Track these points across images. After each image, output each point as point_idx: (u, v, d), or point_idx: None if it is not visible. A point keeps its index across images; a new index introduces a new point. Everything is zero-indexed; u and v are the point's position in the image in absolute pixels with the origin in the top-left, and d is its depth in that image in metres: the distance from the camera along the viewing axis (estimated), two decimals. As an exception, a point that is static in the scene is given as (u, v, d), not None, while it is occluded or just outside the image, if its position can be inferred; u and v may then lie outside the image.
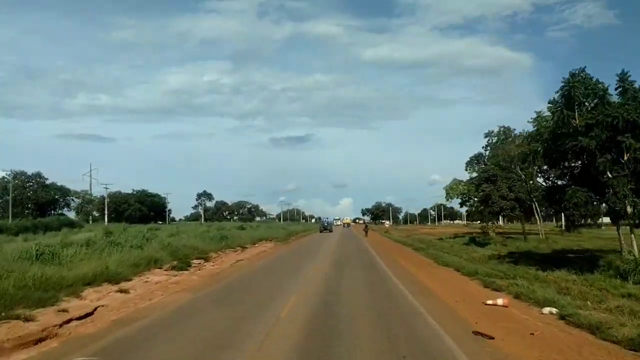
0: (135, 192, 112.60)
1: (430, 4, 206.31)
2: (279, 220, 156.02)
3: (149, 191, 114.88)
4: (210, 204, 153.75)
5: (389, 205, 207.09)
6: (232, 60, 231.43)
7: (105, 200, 79.81)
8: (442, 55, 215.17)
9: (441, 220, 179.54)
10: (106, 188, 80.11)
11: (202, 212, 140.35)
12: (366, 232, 60.86)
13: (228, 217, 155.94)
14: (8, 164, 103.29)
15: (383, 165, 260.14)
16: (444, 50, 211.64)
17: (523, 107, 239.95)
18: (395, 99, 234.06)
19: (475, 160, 47.26)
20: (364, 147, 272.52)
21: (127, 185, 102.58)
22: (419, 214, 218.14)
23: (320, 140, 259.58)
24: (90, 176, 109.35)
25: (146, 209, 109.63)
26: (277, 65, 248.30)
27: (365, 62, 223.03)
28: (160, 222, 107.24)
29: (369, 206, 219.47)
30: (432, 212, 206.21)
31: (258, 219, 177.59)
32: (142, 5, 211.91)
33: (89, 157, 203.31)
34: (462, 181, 38.22)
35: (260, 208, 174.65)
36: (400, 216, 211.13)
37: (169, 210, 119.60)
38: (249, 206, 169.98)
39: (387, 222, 72.26)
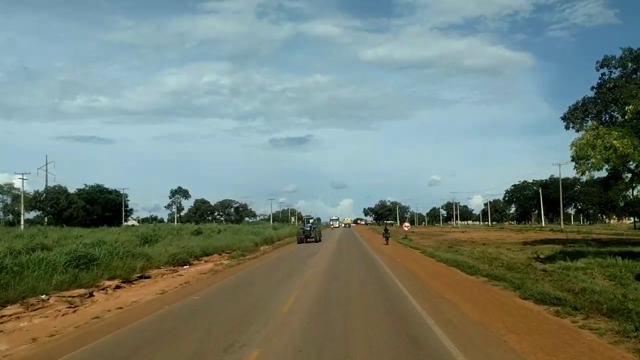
0: (87, 188, 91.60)
1: (429, 4, 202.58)
2: (271, 221, 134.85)
3: (106, 187, 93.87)
4: (188, 203, 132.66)
5: (395, 204, 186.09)
6: (231, 61, 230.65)
7: (21, 196, 58.81)
8: (442, 55, 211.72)
9: (455, 220, 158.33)
10: (23, 179, 59.09)
11: (175, 211, 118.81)
12: (387, 239, 40.50)
13: (209, 217, 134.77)
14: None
15: (383, 166, 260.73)
16: (444, 50, 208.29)
17: (523, 107, 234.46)
18: (395, 99, 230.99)
19: (582, 110, 26.23)
20: (364, 148, 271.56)
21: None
22: (427, 214, 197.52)
23: (320, 141, 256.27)
24: (47, 171, 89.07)
25: (99, 207, 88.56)
26: (276, 66, 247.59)
27: (365, 62, 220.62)
28: (121, 224, 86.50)
29: (372, 205, 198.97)
30: (443, 212, 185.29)
31: (251, 219, 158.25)
32: (140, 6, 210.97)
33: (87, 158, 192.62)
34: (612, 130, 16.62)
35: (249, 207, 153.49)
36: (406, 216, 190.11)
37: (130, 209, 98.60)
38: (236, 205, 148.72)
39: (407, 224, 50.81)
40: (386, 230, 42.52)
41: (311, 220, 47.48)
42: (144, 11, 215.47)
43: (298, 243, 39.94)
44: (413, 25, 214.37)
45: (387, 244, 40.72)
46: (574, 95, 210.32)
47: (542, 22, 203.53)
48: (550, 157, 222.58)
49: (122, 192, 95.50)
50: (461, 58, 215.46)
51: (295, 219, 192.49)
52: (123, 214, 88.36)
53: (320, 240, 42.17)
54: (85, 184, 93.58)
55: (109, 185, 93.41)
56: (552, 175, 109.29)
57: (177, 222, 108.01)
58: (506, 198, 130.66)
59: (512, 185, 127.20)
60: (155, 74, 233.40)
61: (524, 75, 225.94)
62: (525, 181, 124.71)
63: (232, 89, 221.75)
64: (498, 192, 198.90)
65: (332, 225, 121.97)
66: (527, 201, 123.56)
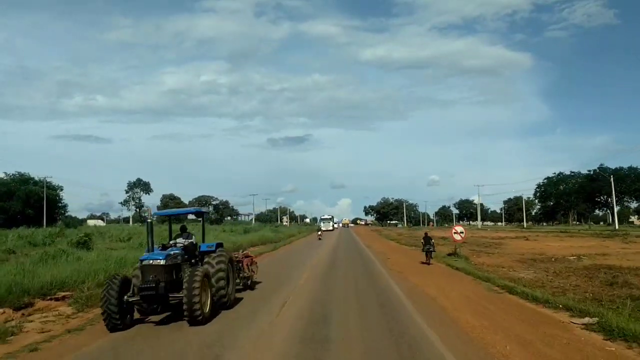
0: (5, 177, 69.87)
1: (429, 4, 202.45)
2: (253, 221, 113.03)
3: (32, 176, 71.93)
4: (151, 199, 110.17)
5: (399, 201, 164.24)
6: (229, 60, 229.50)
7: None
8: (441, 55, 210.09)
9: (474, 220, 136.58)
10: None
11: (131, 210, 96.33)
12: (429, 254, 21.63)
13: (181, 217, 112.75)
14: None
15: (382, 166, 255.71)
16: (443, 50, 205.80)
17: (522, 108, 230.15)
18: (394, 100, 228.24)
19: None
20: (363, 148, 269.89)
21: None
22: (436, 213, 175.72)
23: (318, 141, 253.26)
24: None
25: (19, 203, 66.73)
26: (275, 66, 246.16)
27: (364, 62, 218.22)
28: (54, 224, 64.69)
29: (374, 203, 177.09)
30: (456, 211, 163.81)
31: (239, 218, 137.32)
32: (138, 5, 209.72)
33: (85, 158, 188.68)
34: None
35: (231, 205, 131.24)
36: (412, 215, 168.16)
37: (64, 205, 76.56)
38: (215, 202, 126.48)
39: (459, 228, 27.82)
40: (428, 241, 21.83)
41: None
42: (142, 10, 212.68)
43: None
44: (412, 25, 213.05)
45: (428, 262, 21.36)
46: (573, 96, 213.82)
47: (541, 22, 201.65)
48: (549, 159, 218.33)
49: (56, 184, 73.50)
50: (460, 58, 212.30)
51: (287, 218, 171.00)
52: (45, 211, 65.99)
53: (211, 316, 10.15)
54: (5, 172, 71.90)
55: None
56: (601, 164, 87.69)
57: (132, 222, 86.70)
58: (537, 194, 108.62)
59: (545, 179, 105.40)
60: (153, 73, 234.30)
61: (523, 76, 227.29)
62: (561, 173, 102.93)
63: (231, 88, 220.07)
64: (495, 192, 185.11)
65: (321, 229, 71.94)
66: (564, 197, 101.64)
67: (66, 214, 78.45)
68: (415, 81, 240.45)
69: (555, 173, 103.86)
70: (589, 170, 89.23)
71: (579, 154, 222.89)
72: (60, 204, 74.99)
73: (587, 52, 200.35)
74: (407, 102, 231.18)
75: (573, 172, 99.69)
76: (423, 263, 22.39)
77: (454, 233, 23.82)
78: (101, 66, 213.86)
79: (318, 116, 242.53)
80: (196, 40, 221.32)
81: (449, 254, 24.96)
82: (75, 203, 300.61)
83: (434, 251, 22.70)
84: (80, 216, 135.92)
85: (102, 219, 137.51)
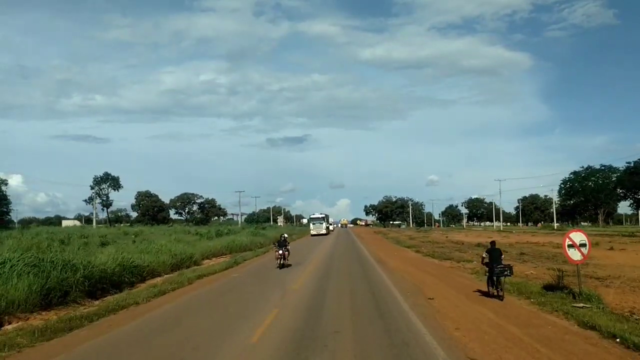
0: None
1: (428, 4, 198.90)
2: (239, 222, 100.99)
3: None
4: (121, 196, 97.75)
5: (403, 200, 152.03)
6: (228, 59, 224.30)
7: None
8: (440, 55, 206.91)
9: (484, 221, 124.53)
10: None
11: (94, 210, 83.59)
12: (497, 282, 12.14)
13: (157, 217, 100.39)
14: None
15: (381, 166, 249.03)
16: (442, 50, 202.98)
17: (522, 107, 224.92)
18: (393, 99, 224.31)
19: None
20: (362, 148, 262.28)
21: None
22: (442, 213, 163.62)
23: (317, 141, 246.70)
24: None
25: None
26: (274, 65, 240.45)
27: (363, 62, 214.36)
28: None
29: (375, 202, 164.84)
30: (465, 210, 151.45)
31: (229, 218, 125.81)
32: (137, 4, 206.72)
33: (83, 157, 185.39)
34: None
35: (217, 204, 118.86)
36: (418, 215, 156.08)
37: (8, 202, 64.12)
38: (200, 201, 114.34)
39: (577, 235, 16.23)
40: (496, 256, 11.67)
41: None
42: (141, 9, 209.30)
43: None
44: (411, 24, 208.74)
45: (500, 296, 11.61)
46: (572, 96, 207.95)
47: (541, 22, 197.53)
48: (548, 158, 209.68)
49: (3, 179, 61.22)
50: (459, 58, 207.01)
51: (283, 219, 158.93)
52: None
53: None
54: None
55: None
56: (642, 156, 75.72)
57: (95, 223, 74.61)
58: (562, 191, 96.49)
59: (571, 173, 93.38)
60: (152, 73, 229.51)
61: (522, 76, 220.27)
62: (590, 167, 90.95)
63: (230, 88, 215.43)
64: (494, 192, 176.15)
65: (316, 231, 64.09)
66: (592, 193, 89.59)
67: (10, 212, 66.24)
68: (414, 81, 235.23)
69: (583, 167, 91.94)
70: (628, 163, 77.28)
71: (578, 154, 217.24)
72: (5, 201, 62.82)
73: (587, 52, 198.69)
74: (406, 102, 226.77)
75: (604, 166, 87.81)
76: (483, 294, 12.48)
77: (568, 246, 11.73)
78: (100, 65, 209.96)
79: (317, 116, 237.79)
80: (195, 39, 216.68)
81: (549, 288, 12.92)
82: (73, 203, 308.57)
83: (510, 275, 11.77)
84: (70, 216, 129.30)
85: (80, 220, 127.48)
